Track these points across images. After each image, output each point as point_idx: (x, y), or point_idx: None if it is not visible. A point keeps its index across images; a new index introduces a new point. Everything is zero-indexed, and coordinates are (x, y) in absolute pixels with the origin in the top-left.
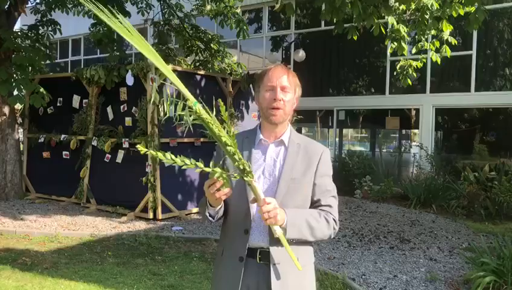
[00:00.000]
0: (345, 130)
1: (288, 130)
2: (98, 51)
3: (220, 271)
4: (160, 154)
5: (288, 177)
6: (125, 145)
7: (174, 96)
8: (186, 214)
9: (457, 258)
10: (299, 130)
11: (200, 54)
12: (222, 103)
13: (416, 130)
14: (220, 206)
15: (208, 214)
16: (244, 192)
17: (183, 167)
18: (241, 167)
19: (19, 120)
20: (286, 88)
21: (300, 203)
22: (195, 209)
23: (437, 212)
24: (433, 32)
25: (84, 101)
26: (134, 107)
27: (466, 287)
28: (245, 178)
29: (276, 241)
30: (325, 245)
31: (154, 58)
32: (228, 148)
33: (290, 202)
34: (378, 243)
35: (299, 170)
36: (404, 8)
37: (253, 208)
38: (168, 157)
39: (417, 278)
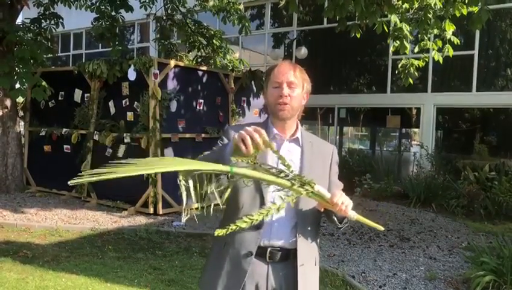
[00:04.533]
0: (345, 128)
1: (299, 129)
2: (100, 45)
3: (219, 264)
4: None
5: (308, 176)
6: (127, 139)
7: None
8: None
9: (457, 257)
10: None
11: (202, 50)
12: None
13: (416, 129)
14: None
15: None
16: (259, 185)
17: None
18: (300, 181)
19: (21, 113)
20: (293, 84)
21: None
22: (195, 205)
23: (437, 211)
24: (435, 31)
25: (85, 95)
26: (136, 102)
27: (465, 286)
28: (310, 192)
29: (300, 242)
30: (325, 242)
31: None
32: (279, 181)
33: (311, 201)
34: (378, 241)
35: (316, 169)
36: (407, 6)
37: (268, 203)
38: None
39: (416, 276)
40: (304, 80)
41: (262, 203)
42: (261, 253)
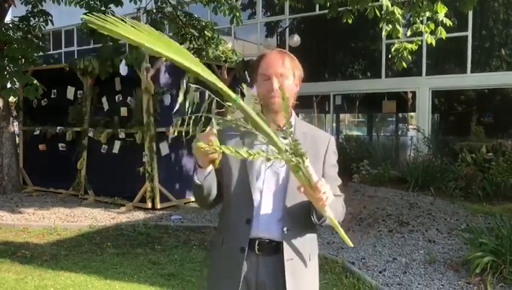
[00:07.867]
0: (342, 115)
1: (293, 117)
2: (92, 41)
3: (219, 263)
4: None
5: None
6: (122, 135)
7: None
8: (185, 203)
9: (456, 239)
10: None
11: (194, 42)
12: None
13: (412, 113)
14: (209, 170)
15: (195, 178)
16: (247, 178)
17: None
18: (294, 150)
19: (14, 113)
20: (283, 74)
21: None
22: (193, 198)
23: (435, 194)
24: (427, 14)
25: (78, 92)
26: (129, 97)
27: (465, 267)
28: (298, 165)
29: (288, 236)
30: (323, 230)
31: (182, 59)
32: (276, 139)
33: (300, 195)
34: (377, 227)
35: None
36: None
37: (256, 195)
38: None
39: (416, 260)
40: (294, 67)
41: (250, 198)
42: (250, 245)
